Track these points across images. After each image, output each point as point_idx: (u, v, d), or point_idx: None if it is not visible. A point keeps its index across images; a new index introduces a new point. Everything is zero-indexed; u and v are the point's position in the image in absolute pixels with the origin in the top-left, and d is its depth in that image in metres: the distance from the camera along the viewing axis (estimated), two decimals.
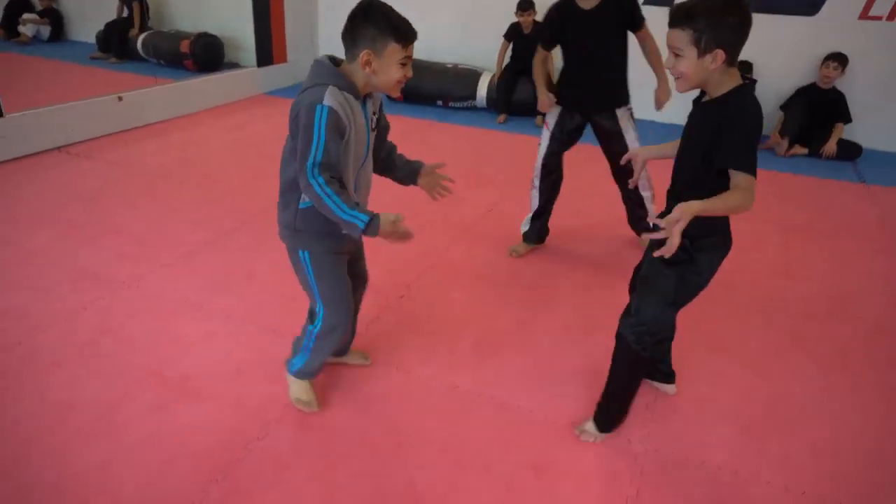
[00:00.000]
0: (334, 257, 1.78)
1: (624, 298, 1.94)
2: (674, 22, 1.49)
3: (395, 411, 2.01)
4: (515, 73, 5.33)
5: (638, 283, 1.83)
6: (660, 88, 2.76)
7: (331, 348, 1.91)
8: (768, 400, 2.14)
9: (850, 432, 2.01)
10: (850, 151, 4.76)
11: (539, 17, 5.19)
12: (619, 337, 1.83)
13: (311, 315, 1.92)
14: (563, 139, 2.92)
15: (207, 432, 1.88)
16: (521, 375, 2.21)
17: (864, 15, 4.74)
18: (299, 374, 1.97)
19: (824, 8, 4.83)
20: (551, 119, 2.91)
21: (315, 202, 1.56)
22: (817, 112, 4.78)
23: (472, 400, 2.08)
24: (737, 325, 2.58)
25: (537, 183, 3.02)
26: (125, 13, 6.91)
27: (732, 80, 1.53)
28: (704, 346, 2.41)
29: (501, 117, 5.31)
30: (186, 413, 1.95)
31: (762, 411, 2.09)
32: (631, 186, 2.02)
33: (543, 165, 2.97)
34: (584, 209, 3.63)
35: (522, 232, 3.11)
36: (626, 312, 1.84)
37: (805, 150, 4.81)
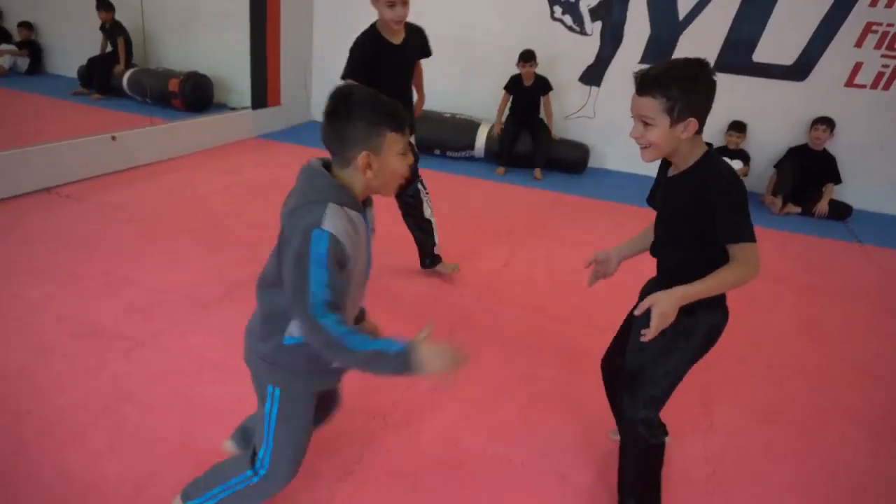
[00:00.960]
0: (309, 401, 1.47)
1: None
2: (644, 89, 1.42)
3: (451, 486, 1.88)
4: (517, 125, 5.37)
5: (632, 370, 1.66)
6: (420, 103, 3.20)
7: None
8: (825, 471, 2.10)
9: None
10: (840, 211, 4.91)
11: (541, 70, 5.28)
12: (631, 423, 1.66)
13: (251, 457, 1.51)
14: None
15: None
16: (572, 444, 2.11)
17: (850, 82, 4.97)
18: None
19: (813, 74, 5.04)
20: None
21: (324, 347, 1.23)
22: (809, 172, 4.94)
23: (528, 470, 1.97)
24: (775, 389, 2.55)
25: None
26: (108, 48, 6.75)
27: (700, 148, 1.49)
28: (749, 414, 2.36)
29: (501, 169, 5.32)
30: None
31: (824, 483, 2.04)
32: (589, 286, 1.88)
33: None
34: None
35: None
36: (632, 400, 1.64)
37: (798, 209, 4.94)
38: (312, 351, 1.28)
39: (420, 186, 3.07)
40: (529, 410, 2.27)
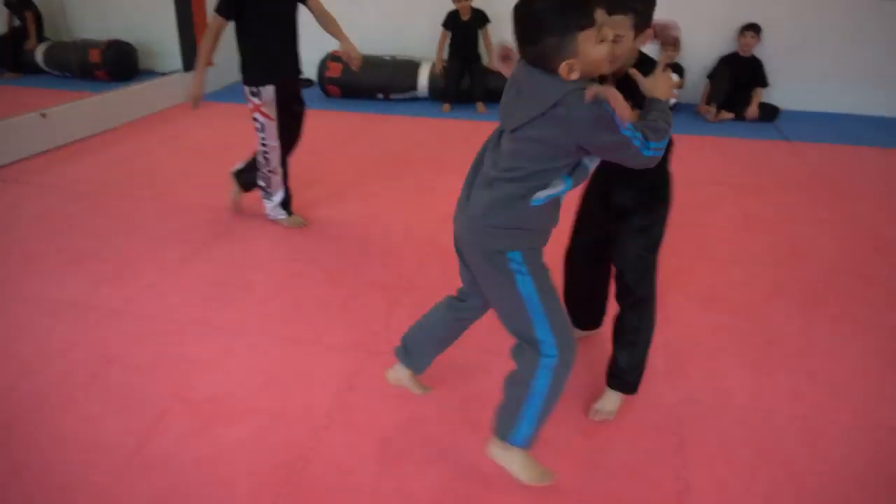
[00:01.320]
0: (542, 258, 1.50)
1: None
2: (615, 7, 1.46)
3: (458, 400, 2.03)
4: (460, 61, 5.37)
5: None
6: (349, 47, 2.89)
7: (561, 393, 1.52)
8: (765, 341, 2.34)
9: (838, 361, 2.24)
10: (769, 113, 5.15)
11: (477, 3, 5.26)
12: (644, 301, 1.88)
13: (530, 351, 1.50)
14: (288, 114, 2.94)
15: (258, 449, 1.82)
16: None
17: None
18: (529, 442, 1.53)
19: None
20: (269, 98, 2.82)
21: (660, 153, 1.37)
22: (739, 78, 5.14)
23: None
24: (720, 278, 2.77)
25: (280, 170, 3.02)
26: (16, 23, 6.35)
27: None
28: (696, 300, 2.58)
29: (446, 106, 5.34)
30: (228, 434, 1.88)
31: (763, 352, 2.28)
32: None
33: (283, 152, 3.00)
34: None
35: (281, 218, 3.15)
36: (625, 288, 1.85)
37: (731, 115, 5.16)
38: (553, 205, 1.44)
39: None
40: None
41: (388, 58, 5.59)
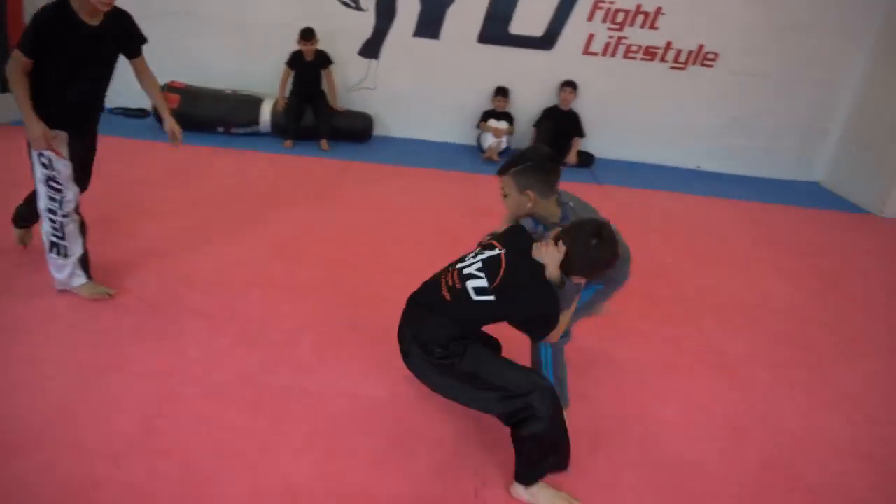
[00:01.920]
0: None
1: None
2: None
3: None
4: (301, 99, 5.45)
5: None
6: (172, 124, 2.71)
7: None
8: None
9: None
10: (586, 160, 5.79)
11: (321, 45, 5.42)
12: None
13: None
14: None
15: (44, 483, 1.71)
16: (362, 368, 2.38)
17: (586, 51, 5.84)
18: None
19: (558, 44, 5.82)
20: (64, 149, 2.48)
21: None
22: (560, 128, 5.74)
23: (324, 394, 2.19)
24: None
25: (72, 225, 2.57)
26: None
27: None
28: None
29: (288, 142, 5.38)
30: (14, 465, 1.74)
31: None
32: None
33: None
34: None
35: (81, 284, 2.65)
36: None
37: None
38: None
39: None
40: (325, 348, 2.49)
41: (229, 91, 5.54)
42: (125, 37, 2.57)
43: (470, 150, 5.94)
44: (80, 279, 2.64)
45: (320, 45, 5.43)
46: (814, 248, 4.33)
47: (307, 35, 5.27)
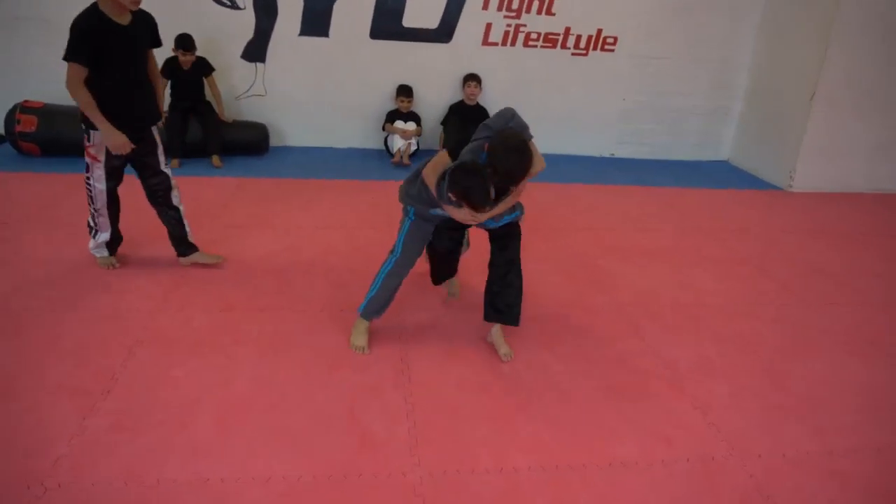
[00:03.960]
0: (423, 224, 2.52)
1: None
2: None
3: None
4: (183, 112, 4.87)
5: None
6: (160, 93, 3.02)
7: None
8: (504, 392, 2.33)
9: (572, 400, 2.31)
10: None
11: (199, 50, 4.85)
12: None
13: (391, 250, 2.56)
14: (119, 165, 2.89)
15: None
16: (276, 443, 1.98)
17: (486, 41, 5.58)
18: (366, 313, 2.56)
19: (456, 36, 5.53)
20: (100, 152, 2.80)
21: None
22: (470, 125, 5.45)
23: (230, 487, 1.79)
24: (462, 326, 2.76)
25: (105, 213, 2.96)
26: None
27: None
28: (438, 354, 2.52)
29: (175, 161, 4.78)
30: None
31: (503, 403, 2.26)
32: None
33: (109, 196, 2.93)
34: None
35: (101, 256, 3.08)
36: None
37: None
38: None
39: (169, 171, 3.01)
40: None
41: None
42: (152, 34, 2.84)
43: (378, 155, 5.56)
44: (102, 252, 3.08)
45: (200, 51, 4.86)
46: (733, 231, 4.30)
47: (185, 44, 4.69)
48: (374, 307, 2.53)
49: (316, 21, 5.32)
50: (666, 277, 3.47)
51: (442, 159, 2.29)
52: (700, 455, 2.07)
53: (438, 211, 2.38)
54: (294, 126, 5.62)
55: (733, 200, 5.06)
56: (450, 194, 2.15)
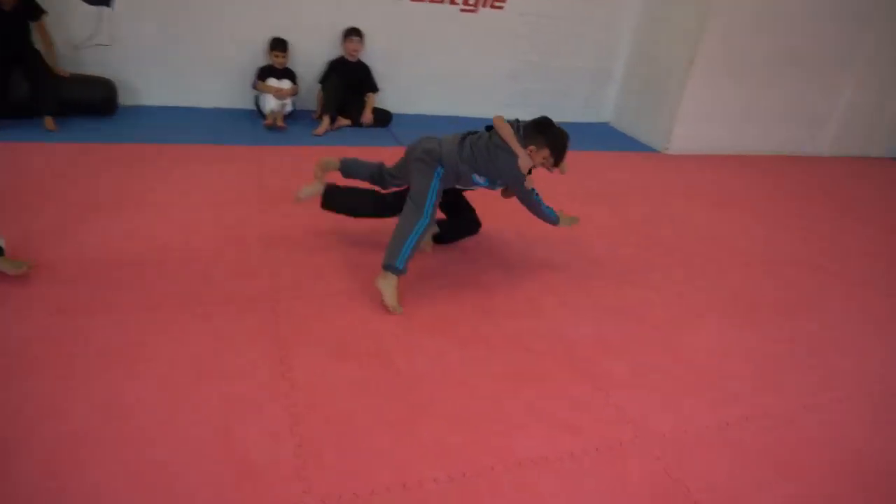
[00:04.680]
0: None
1: None
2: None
3: None
4: (3, 63, 4.05)
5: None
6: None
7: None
8: (405, 387, 2.12)
9: (477, 397, 2.14)
10: (383, 118, 5.22)
11: None
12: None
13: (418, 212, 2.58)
14: None
15: None
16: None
17: None
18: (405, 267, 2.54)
19: None
20: None
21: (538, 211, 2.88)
22: (351, 83, 5.07)
23: None
24: (348, 316, 2.50)
25: None
26: None
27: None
28: (324, 350, 2.25)
29: None
30: None
31: (405, 402, 2.05)
32: None
33: None
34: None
35: None
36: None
37: (349, 121, 5.07)
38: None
39: None
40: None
41: None
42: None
43: (248, 116, 5.02)
44: None
45: None
46: (618, 196, 4.32)
47: None
48: (408, 263, 2.53)
49: None
50: (558, 247, 3.38)
51: (497, 120, 2.66)
52: (607, 441, 1.99)
53: (478, 178, 2.69)
54: (148, 82, 4.92)
55: (616, 164, 5.12)
56: (536, 147, 2.60)
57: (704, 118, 5.52)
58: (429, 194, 2.59)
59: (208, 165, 3.90)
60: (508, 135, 2.58)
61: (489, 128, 2.68)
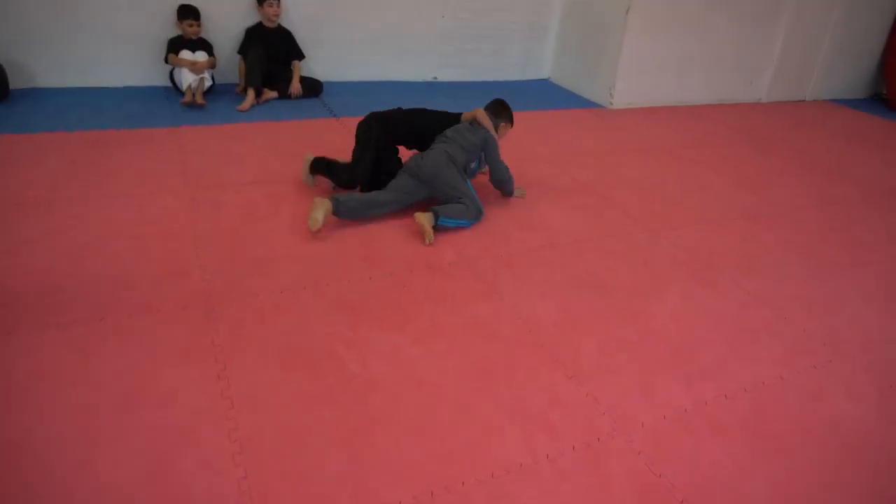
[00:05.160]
0: None
1: None
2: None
3: None
4: None
5: None
6: None
7: None
8: (328, 386, 1.92)
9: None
10: (313, 87, 4.87)
11: None
12: None
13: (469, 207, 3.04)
14: None
15: None
16: None
17: None
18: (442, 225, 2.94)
19: None
20: None
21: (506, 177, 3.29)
22: (273, 52, 4.67)
23: None
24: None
25: None
26: None
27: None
28: (272, 356, 2.01)
29: None
30: None
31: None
32: None
33: None
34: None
35: None
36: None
37: (275, 93, 4.70)
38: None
39: None
40: None
41: None
42: None
43: (164, 94, 4.58)
44: None
45: None
46: (567, 156, 4.17)
47: None
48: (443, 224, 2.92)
49: None
50: (512, 217, 3.21)
51: (480, 112, 3.27)
52: (585, 438, 1.84)
53: (475, 165, 3.30)
54: (44, 61, 4.41)
55: (560, 122, 4.95)
56: (503, 123, 3.35)
57: (645, 70, 5.40)
58: (470, 194, 3.04)
59: (120, 152, 3.51)
60: (488, 122, 3.23)
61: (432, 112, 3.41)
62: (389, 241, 2.84)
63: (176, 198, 3.05)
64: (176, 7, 4.49)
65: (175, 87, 4.55)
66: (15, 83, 4.27)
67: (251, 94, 4.50)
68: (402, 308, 2.37)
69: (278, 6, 4.64)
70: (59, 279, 2.33)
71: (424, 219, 2.82)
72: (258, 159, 3.62)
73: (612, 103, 5.39)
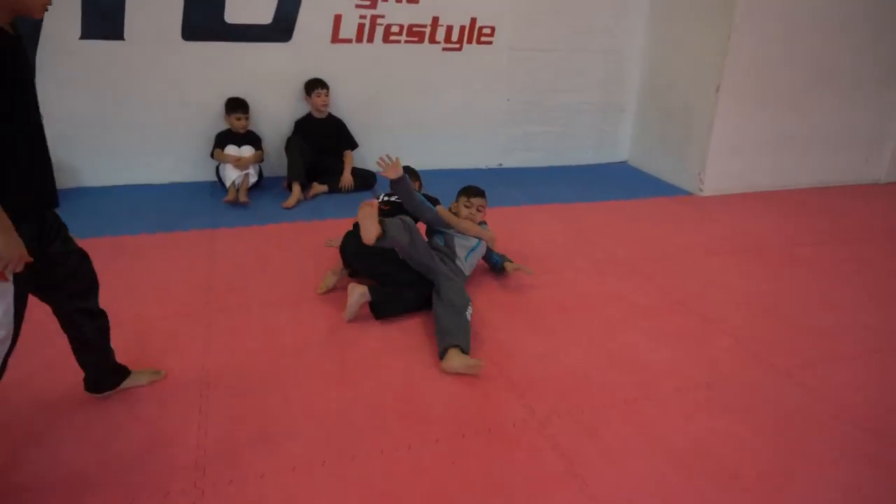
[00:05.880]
0: None
1: None
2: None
3: None
4: None
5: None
6: None
7: None
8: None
9: None
10: (366, 179, 4.49)
11: None
12: None
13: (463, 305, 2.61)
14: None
15: None
16: None
17: (336, 38, 4.47)
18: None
19: (297, 33, 4.37)
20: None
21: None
22: (322, 144, 4.35)
23: None
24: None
25: None
26: None
27: None
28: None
29: None
30: None
31: None
32: None
33: None
34: None
35: None
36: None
37: (325, 188, 4.34)
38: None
39: None
40: None
41: None
42: None
43: (210, 191, 4.31)
44: None
45: None
46: (652, 261, 3.50)
47: None
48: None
49: (103, 19, 4.00)
50: (593, 345, 2.58)
51: (446, 212, 3.02)
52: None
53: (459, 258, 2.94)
54: (90, 161, 4.26)
55: (642, 213, 4.31)
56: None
57: (739, 152, 4.74)
58: (463, 287, 2.74)
59: (147, 261, 3.17)
60: (449, 216, 2.99)
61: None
62: (436, 387, 2.26)
63: (193, 322, 2.61)
64: (224, 101, 4.27)
65: (221, 183, 4.27)
66: (62, 184, 4.08)
67: (296, 189, 4.14)
68: (451, 501, 1.75)
69: (326, 95, 4.35)
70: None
71: (357, 291, 2.63)
72: (294, 269, 3.17)
73: (701, 189, 4.73)
